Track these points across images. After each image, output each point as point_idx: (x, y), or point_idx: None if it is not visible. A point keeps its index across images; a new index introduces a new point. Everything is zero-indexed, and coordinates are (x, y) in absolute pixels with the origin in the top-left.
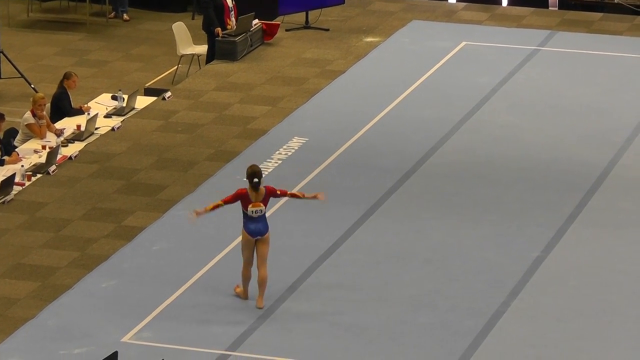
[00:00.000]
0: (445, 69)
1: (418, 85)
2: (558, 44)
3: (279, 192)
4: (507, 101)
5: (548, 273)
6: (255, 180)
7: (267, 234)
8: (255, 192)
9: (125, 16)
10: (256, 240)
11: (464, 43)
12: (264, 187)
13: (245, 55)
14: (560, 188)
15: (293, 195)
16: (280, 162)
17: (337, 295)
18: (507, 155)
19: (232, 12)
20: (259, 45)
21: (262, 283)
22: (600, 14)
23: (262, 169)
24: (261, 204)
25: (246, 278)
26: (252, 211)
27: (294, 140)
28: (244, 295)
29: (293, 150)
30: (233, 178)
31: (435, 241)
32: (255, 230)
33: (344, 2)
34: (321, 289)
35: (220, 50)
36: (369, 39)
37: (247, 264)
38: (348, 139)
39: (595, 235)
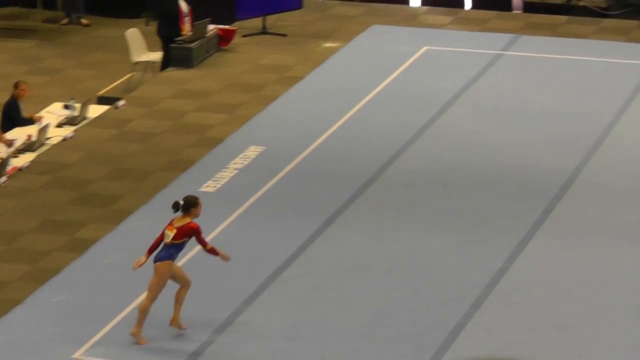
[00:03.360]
0: (407, 74)
1: (379, 90)
2: (523, 47)
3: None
4: (471, 106)
5: (511, 284)
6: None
7: (155, 263)
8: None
9: (83, 21)
10: None
11: (426, 47)
12: (187, 223)
13: (201, 61)
14: (526, 195)
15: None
16: (236, 171)
17: (295, 308)
18: (470, 162)
19: (188, 18)
20: (215, 52)
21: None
22: (565, 17)
23: (218, 179)
24: (171, 228)
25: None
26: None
27: (251, 148)
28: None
29: (250, 159)
30: (189, 188)
31: (396, 252)
32: None
33: (302, 7)
34: (278, 301)
35: (176, 57)
36: (328, 44)
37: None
38: (307, 147)
39: (560, 245)
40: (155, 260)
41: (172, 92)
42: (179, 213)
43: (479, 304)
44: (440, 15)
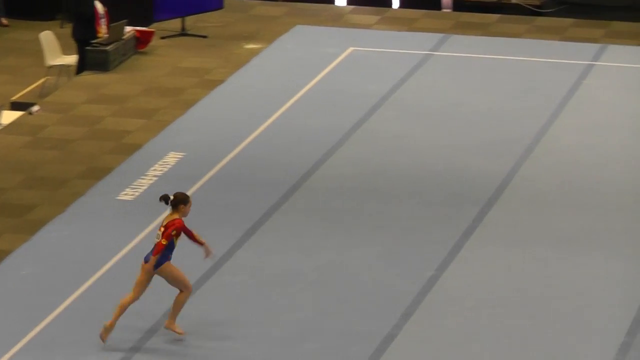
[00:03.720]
0: (333, 76)
1: (303, 93)
2: (453, 48)
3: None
4: (399, 109)
5: (443, 293)
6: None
7: (145, 263)
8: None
9: (3, 20)
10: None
11: (351, 48)
12: (173, 219)
13: (118, 65)
14: (457, 201)
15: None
16: (155, 178)
17: (218, 320)
18: (399, 166)
19: (104, 19)
20: (132, 55)
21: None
22: (497, 16)
23: (137, 187)
24: (161, 228)
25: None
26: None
27: (171, 155)
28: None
29: (169, 166)
30: (106, 196)
31: (322, 260)
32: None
33: (223, 7)
34: (200, 313)
35: (91, 60)
36: (250, 46)
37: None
38: (228, 153)
39: (493, 252)
40: (155, 267)
41: (88, 96)
42: (169, 209)
43: (410, 314)
44: (366, 14)
